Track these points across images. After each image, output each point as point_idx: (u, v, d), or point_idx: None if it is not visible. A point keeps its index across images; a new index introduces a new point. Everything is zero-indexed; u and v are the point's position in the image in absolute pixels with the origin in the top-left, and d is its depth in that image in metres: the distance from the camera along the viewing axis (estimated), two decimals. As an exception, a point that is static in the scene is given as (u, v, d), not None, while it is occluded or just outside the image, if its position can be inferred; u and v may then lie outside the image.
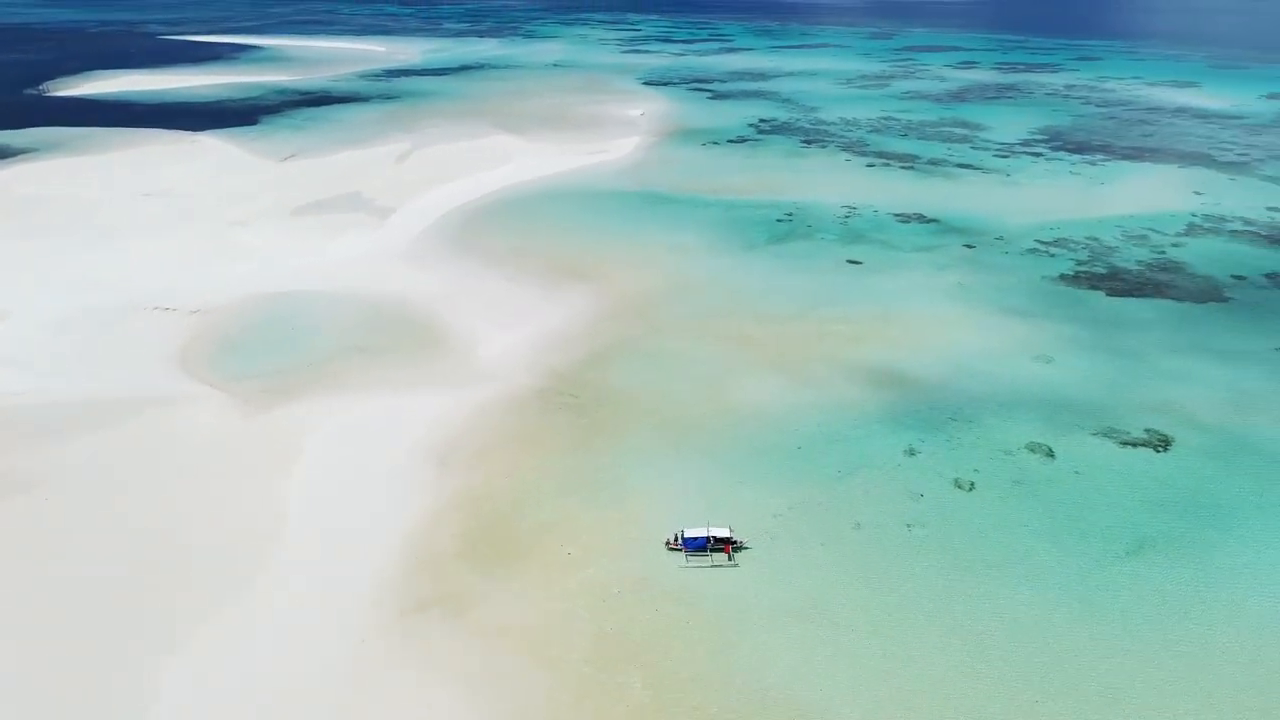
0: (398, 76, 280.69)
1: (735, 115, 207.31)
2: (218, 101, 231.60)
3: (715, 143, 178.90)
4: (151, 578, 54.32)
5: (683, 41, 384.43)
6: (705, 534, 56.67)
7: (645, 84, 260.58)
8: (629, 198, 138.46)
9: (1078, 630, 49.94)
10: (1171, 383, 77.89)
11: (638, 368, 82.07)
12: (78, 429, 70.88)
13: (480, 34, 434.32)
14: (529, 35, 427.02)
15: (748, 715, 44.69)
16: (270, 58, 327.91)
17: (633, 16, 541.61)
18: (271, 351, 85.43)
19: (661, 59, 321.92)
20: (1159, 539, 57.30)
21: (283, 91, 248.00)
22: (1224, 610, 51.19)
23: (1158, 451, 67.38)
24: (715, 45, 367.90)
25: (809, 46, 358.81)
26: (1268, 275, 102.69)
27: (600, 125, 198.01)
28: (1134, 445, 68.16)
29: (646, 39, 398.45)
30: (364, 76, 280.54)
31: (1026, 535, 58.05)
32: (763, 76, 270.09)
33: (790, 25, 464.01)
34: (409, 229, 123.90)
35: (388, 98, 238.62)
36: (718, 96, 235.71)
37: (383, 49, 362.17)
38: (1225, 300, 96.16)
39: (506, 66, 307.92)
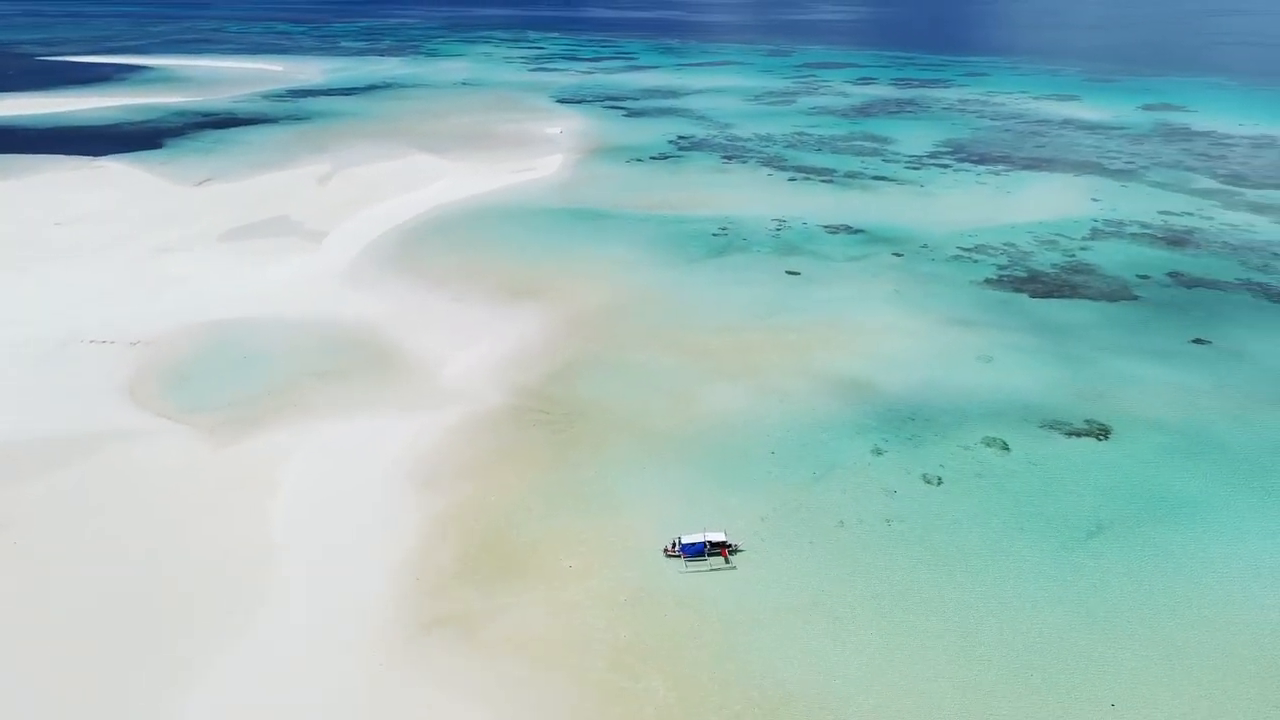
0: (303, 97, 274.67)
1: (653, 132, 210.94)
2: (114, 125, 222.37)
3: (638, 159, 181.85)
4: (151, 617, 52.85)
5: (589, 59, 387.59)
6: (702, 539, 58.53)
7: (559, 102, 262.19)
8: (564, 215, 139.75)
9: (1056, 608, 53.77)
10: (1102, 376, 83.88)
11: (604, 381, 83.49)
12: (37, 468, 68.01)
13: (381, 53, 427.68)
14: (432, 54, 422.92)
15: (772, 710, 46.63)
16: (163, 78, 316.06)
17: (533, 34, 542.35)
18: (226, 381, 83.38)
19: (570, 77, 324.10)
20: (1114, 521, 61.98)
21: (183, 113, 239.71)
22: (1180, 582, 55.81)
23: (1099, 440, 72.64)
24: (621, 63, 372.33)
25: (712, 64, 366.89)
26: (1169, 274, 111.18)
27: (521, 144, 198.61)
28: (1078, 435, 73.30)
29: (552, 57, 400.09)
30: (267, 97, 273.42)
31: (997, 524, 61.96)
32: (673, 94, 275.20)
33: (690, 43, 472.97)
34: (346, 251, 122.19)
35: (296, 119, 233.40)
36: (633, 114, 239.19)
37: (280, 68, 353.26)
38: (1136, 298, 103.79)
39: (414, 85, 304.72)
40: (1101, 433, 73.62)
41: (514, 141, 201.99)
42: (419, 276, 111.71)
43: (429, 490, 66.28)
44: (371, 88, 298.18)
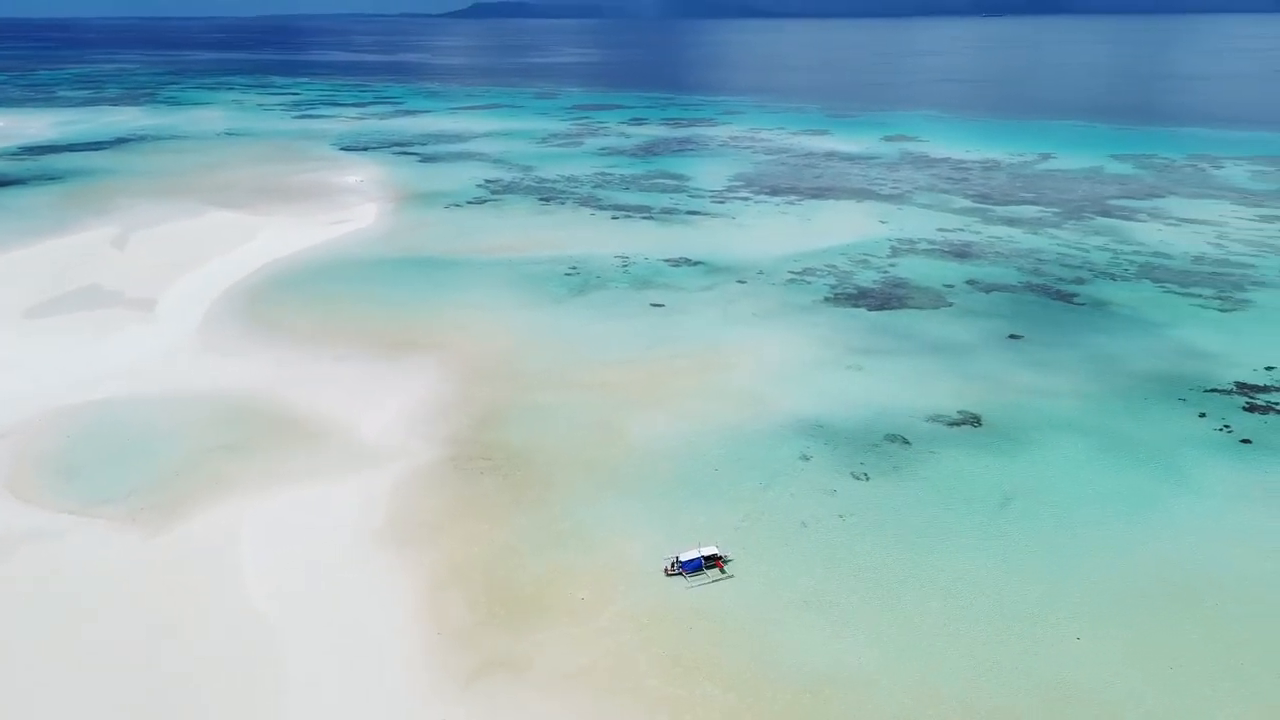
0: (43, 153, 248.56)
1: (458, 177, 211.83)
2: None
3: (456, 205, 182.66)
4: None
5: (353, 105, 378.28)
6: (698, 554, 63.09)
7: (343, 150, 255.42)
8: (408, 264, 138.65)
9: (1004, 568, 63.31)
10: (955, 372, 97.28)
11: (530, 424, 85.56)
12: (-51, 586, 60.05)
13: (112, 102, 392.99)
14: (173, 102, 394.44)
15: (819, 693, 51.95)
16: None
17: (279, 80, 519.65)
18: (121, 466, 76.87)
19: (342, 124, 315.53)
20: (1016, 491, 73.25)
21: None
22: (1089, 532, 67.56)
23: (975, 427, 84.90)
24: (388, 108, 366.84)
25: (483, 107, 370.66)
26: (968, 282, 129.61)
27: (325, 195, 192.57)
28: (958, 425, 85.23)
29: (312, 103, 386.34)
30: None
31: (928, 506, 71.34)
32: (459, 138, 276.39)
33: (452, 87, 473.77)
34: (188, 318, 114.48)
35: (49, 178, 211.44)
36: (427, 159, 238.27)
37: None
38: (951, 305, 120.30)
39: (171, 137, 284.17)
40: (974, 420, 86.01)
41: (314, 193, 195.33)
42: (286, 338, 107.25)
43: (408, 548, 65.80)
44: (121, 140, 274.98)
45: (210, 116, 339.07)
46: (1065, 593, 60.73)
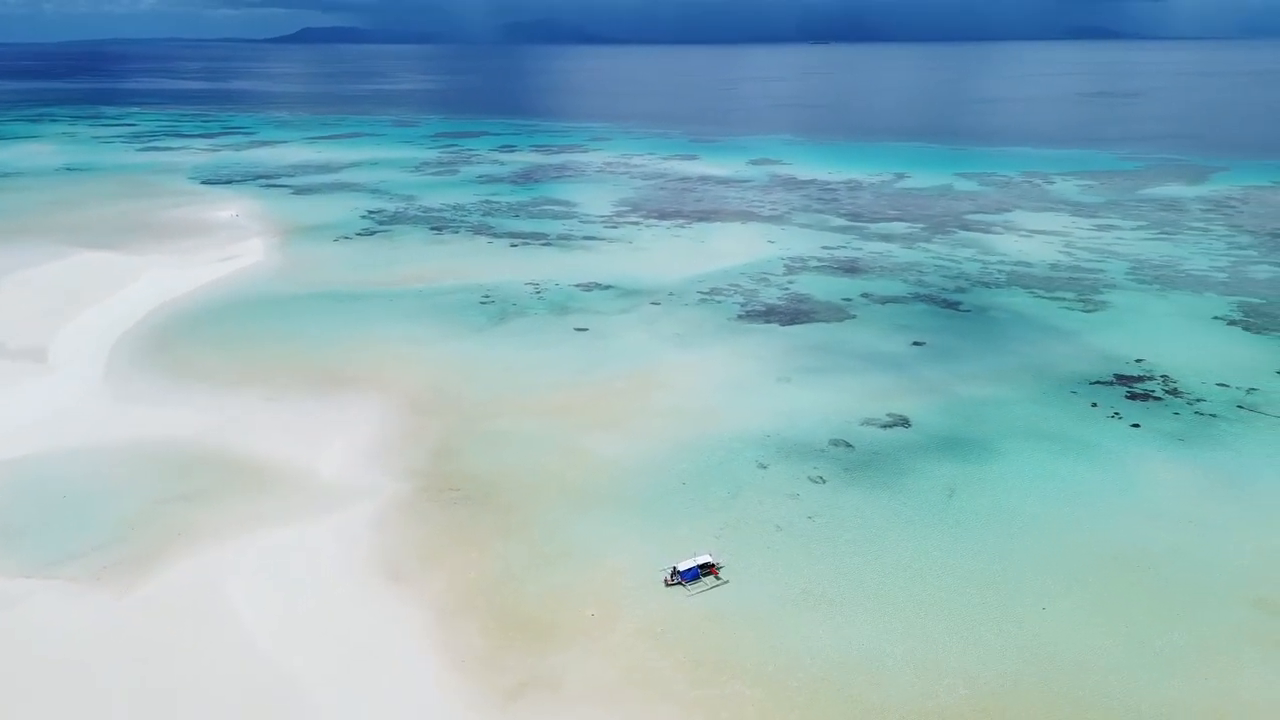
0: None
1: (339, 209, 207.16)
2: None
3: (345, 237, 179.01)
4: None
5: (199, 135, 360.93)
6: (694, 564, 66.26)
7: (205, 184, 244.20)
8: (316, 299, 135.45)
9: (967, 551, 69.62)
10: (874, 379, 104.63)
11: (488, 452, 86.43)
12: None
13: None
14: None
15: (834, 679, 56.13)
16: None
17: (110, 110, 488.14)
18: (69, 525, 72.83)
19: (195, 155, 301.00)
20: (958, 482, 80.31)
21: None
22: (1018, 511, 74.99)
23: (906, 428, 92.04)
24: (241, 138, 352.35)
25: (343, 136, 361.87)
26: (863, 295, 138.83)
27: (201, 231, 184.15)
28: (890, 427, 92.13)
29: (154, 135, 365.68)
30: None
31: (885, 503, 77.23)
32: (327, 168, 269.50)
33: (302, 115, 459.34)
34: (88, 367, 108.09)
35: None
36: (301, 191, 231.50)
37: None
38: (854, 317, 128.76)
39: (2, 175, 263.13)
40: (903, 422, 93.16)
41: (189, 229, 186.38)
42: (205, 382, 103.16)
43: (403, 582, 65.80)
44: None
45: (42, 151, 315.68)
46: (1021, 569, 67.57)
